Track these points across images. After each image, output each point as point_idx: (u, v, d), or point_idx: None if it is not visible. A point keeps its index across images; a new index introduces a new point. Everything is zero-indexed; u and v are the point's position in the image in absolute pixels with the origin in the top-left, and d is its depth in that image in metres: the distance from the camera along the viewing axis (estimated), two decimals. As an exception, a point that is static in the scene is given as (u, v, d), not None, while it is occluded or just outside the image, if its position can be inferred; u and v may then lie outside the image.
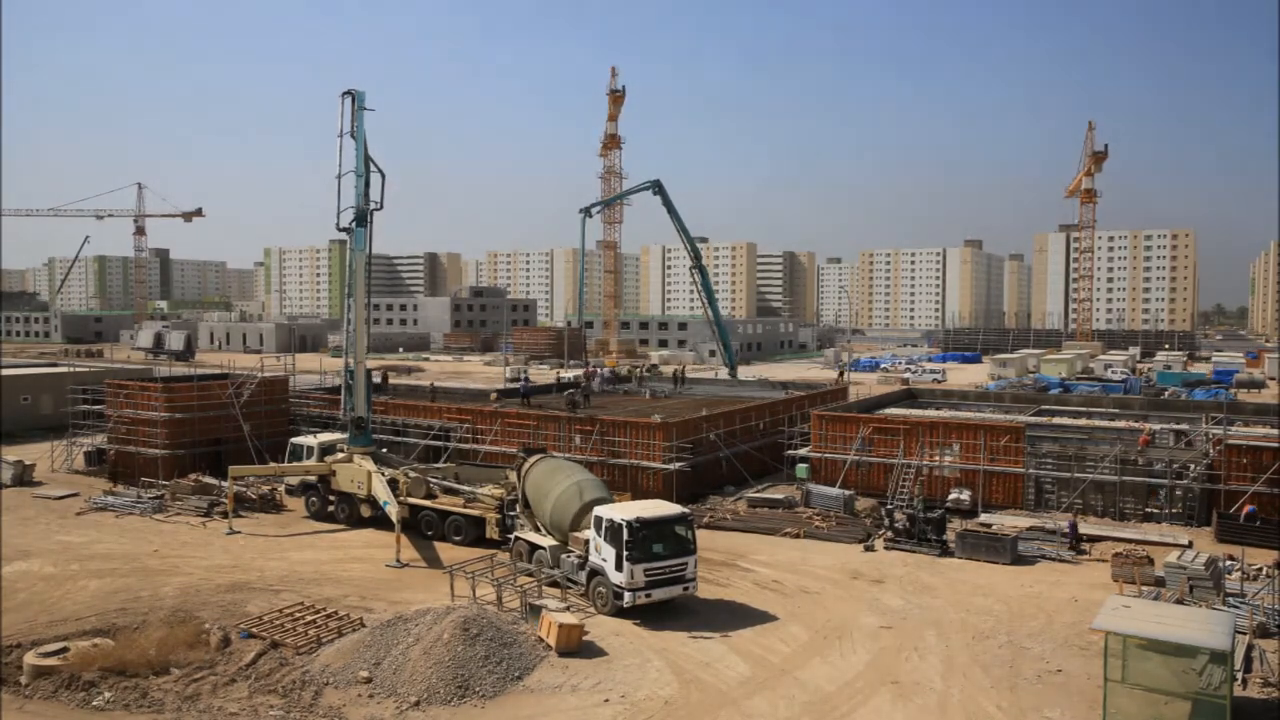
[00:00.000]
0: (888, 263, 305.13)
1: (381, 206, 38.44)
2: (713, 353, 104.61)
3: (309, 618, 23.80)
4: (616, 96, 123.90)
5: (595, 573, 25.43)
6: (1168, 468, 35.61)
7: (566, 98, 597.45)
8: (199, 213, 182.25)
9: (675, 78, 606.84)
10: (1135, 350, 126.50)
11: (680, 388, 58.97)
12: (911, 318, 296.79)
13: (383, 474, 34.52)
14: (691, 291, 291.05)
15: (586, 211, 79.29)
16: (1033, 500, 36.75)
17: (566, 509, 27.46)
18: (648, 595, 24.50)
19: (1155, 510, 35.42)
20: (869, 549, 32.30)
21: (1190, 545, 31.14)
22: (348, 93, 36.31)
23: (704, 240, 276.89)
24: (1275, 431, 38.37)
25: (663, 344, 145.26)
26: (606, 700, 19.73)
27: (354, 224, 36.30)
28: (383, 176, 38.25)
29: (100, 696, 19.67)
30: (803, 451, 40.96)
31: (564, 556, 27.00)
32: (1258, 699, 19.67)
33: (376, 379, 54.79)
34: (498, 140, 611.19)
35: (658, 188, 77.95)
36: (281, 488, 39.59)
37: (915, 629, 24.26)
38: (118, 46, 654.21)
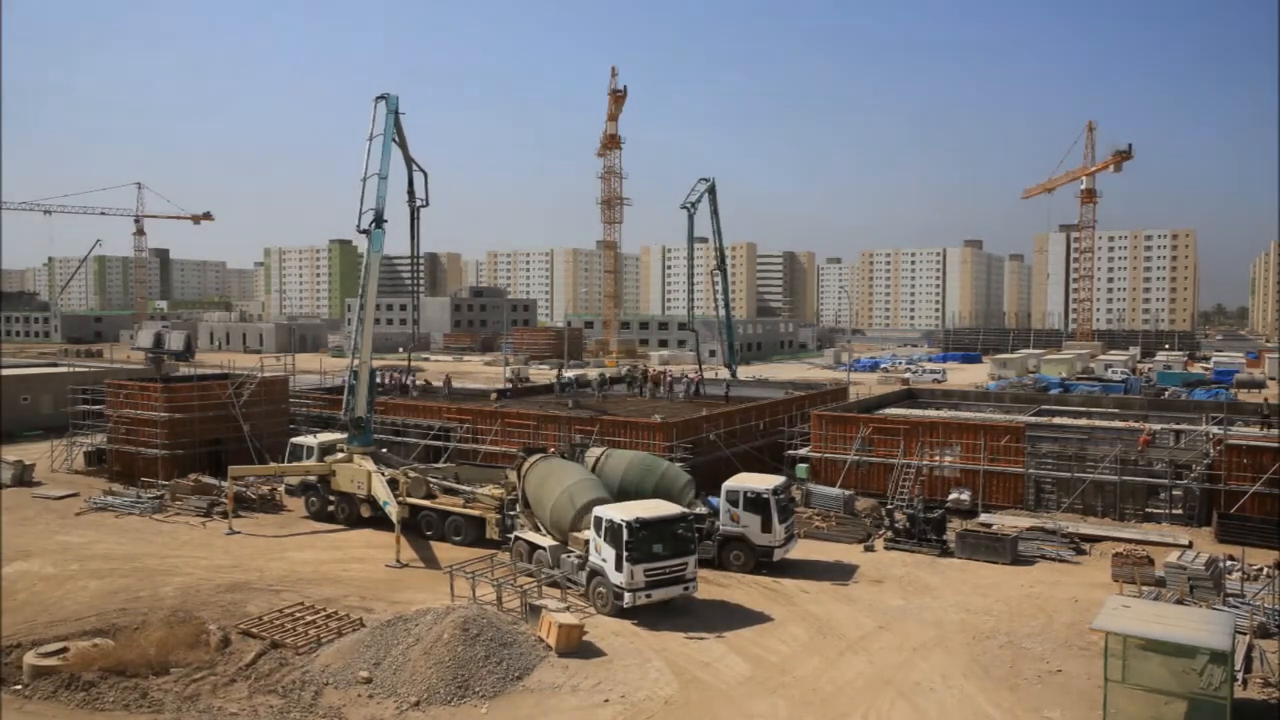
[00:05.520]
0: (888, 263, 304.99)
1: (428, 203, 39.00)
2: (713, 353, 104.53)
3: (309, 618, 23.81)
4: (618, 96, 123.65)
5: (595, 573, 25.43)
6: (1168, 468, 35.60)
7: (568, 96, 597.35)
8: (208, 215, 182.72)
9: (672, 77, 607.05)
10: (1135, 350, 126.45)
11: (637, 390, 54.55)
12: (911, 318, 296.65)
13: (383, 474, 34.52)
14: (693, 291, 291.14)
15: (690, 207, 79.38)
16: (1033, 500, 36.74)
17: (566, 509, 27.45)
18: (648, 595, 24.50)
19: (1155, 510, 35.42)
20: (869, 549, 32.30)
21: (1190, 545, 31.15)
22: (381, 97, 36.37)
23: (703, 240, 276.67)
24: (1275, 431, 38.36)
25: (663, 344, 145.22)
26: (606, 700, 19.73)
27: (374, 226, 36.06)
28: (425, 175, 38.80)
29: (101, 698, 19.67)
30: (803, 451, 40.96)
31: (564, 556, 27.00)
32: (1258, 699, 19.68)
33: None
34: (499, 139, 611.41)
35: (711, 187, 79.72)
36: (281, 488, 39.58)
37: (915, 629, 24.25)
38: (117, 45, 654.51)
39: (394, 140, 36.77)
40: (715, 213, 79.04)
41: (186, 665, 21.11)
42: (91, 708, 19.33)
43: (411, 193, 39.07)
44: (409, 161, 38.27)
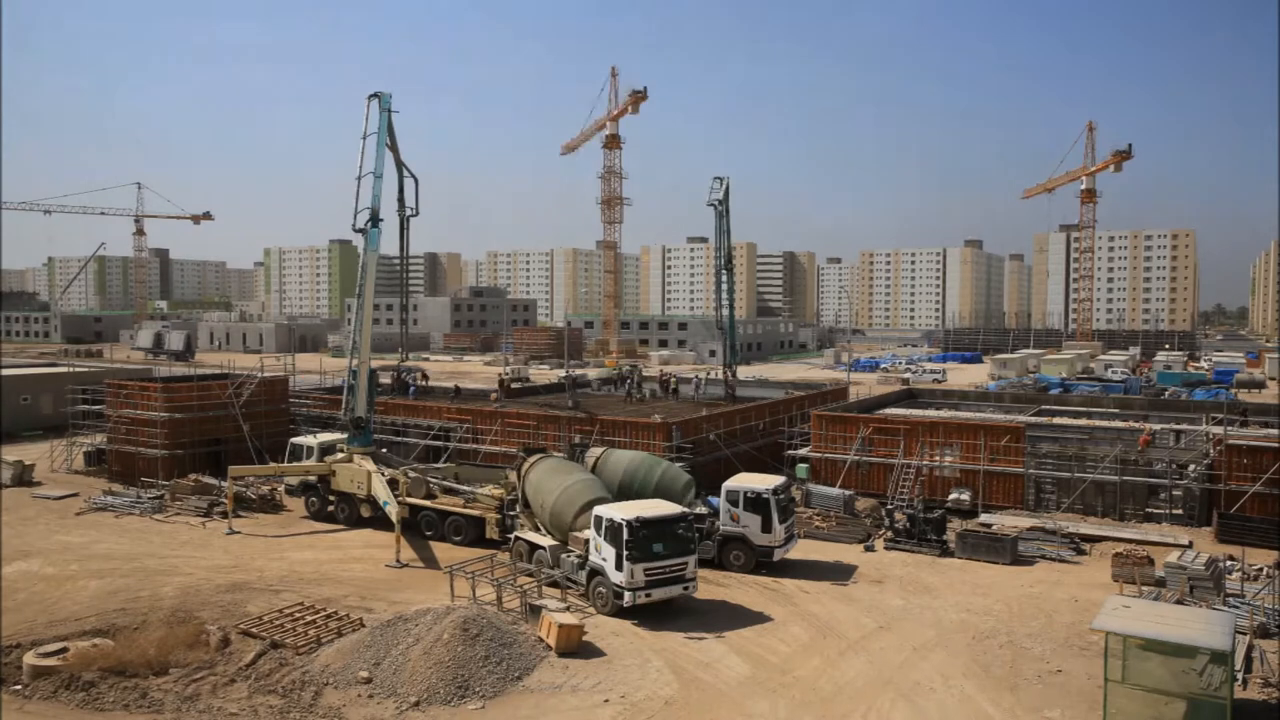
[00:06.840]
0: (888, 263, 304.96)
1: (417, 212, 38.23)
2: (713, 353, 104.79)
3: (309, 618, 23.80)
4: (636, 96, 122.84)
5: (595, 572, 25.43)
6: (1168, 468, 35.60)
7: (567, 95, 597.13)
8: (208, 215, 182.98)
9: (671, 76, 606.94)
10: (1135, 350, 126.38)
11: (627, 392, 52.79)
12: (912, 318, 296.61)
13: (383, 474, 34.50)
14: (691, 292, 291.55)
15: (717, 204, 79.62)
16: (1033, 500, 36.73)
17: (566, 509, 27.46)
18: (647, 595, 24.50)
19: (1156, 510, 35.41)
20: (869, 549, 32.30)
21: (1190, 545, 31.14)
22: (375, 95, 36.12)
23: (702, 240, 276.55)
24: (1275, 431, 38.36)
25: (663, 344, 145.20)
26: (606, 700, 19.73)
27: (369, 225, 35.77)
28: (415, 181, 38.12)
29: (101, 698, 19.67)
30: (803, 451, 40.96)
31: (564, 556, 27.00)
32: (1258, 700, 19.67)
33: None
34: (498, 139, 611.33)
35: (727, 186, 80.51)
36: (281, 488, 39.57)
37: (915, 629, 24.25)
38: (117, 45, 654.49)
39: (385, 143, 36.20)
40: (727, 212, 79.14)
41: (186, 665, 21.11)
42: (91, 708, 19.33)
43: (401, 200, 38.67)
44: (399, 165, 37.66)
